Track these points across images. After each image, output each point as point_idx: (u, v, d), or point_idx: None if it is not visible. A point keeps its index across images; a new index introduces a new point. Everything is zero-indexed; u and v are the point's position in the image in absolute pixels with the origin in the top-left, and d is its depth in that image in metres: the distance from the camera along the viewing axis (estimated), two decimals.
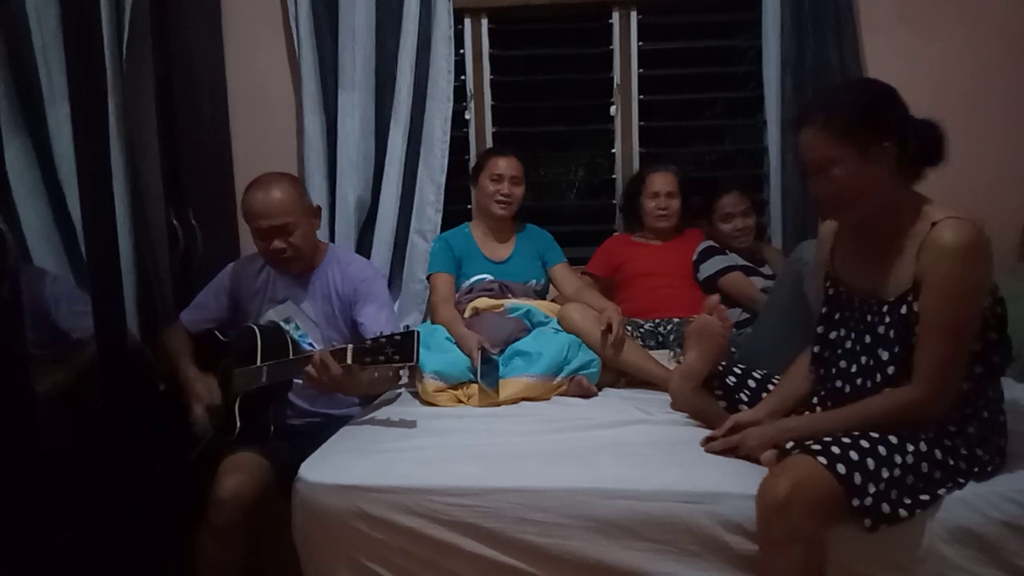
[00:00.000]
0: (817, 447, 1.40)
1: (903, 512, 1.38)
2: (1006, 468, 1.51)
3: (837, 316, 1.62)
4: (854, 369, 1.56)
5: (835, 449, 1.38)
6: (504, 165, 2.55)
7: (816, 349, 1.66)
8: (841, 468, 1.36)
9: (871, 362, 1.52)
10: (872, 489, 1.36)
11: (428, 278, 2.59)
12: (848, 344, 1.58)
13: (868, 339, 1.53)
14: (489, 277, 2.53)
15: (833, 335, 1.62)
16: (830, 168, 1.44)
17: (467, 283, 2.54)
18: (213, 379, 2.00)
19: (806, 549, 1.35)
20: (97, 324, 1.89)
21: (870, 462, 1.38)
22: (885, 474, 1.38)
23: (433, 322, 2.43)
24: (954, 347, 1.41)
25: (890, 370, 1.48)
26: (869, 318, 1.54)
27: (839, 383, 1.58)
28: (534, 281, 2.59)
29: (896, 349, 1.47)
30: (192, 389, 1.97)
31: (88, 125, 1.86)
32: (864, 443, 1.40)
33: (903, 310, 1.46)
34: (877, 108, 1.45)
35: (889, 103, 1.47)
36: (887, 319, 1.49)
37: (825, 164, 1.44)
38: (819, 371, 1.65)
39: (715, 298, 1.85)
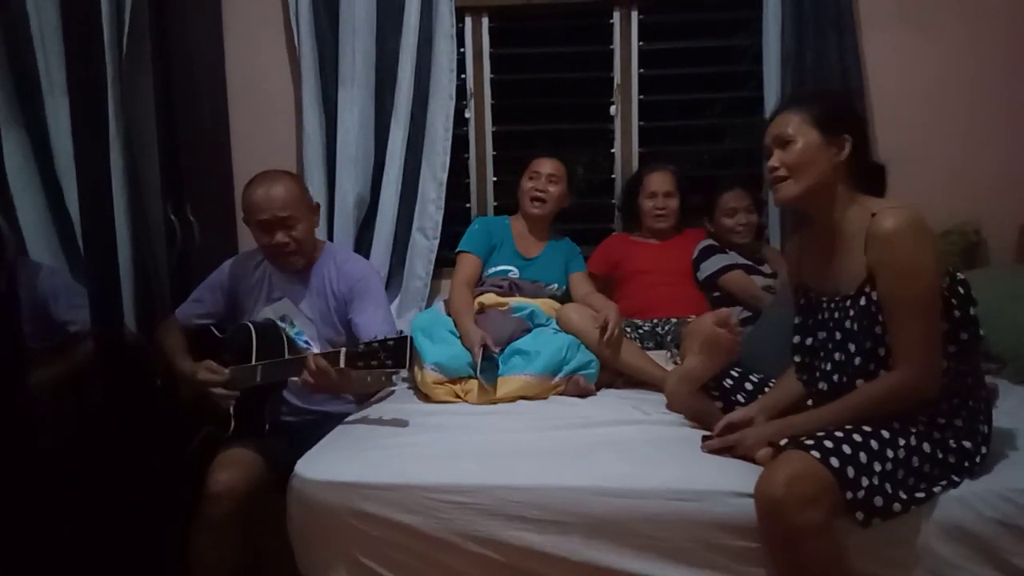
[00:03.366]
0: (810, 442, 1.42)
1: (896, 506, 1.39)
2: (999, 465, 1.52)
3: (810, 322, 1.68)
4: (829, 367, 1.60)
5: (828, 443, 1.41)
6: (543, 164, 2.61)
7: (797, 359, 1.70)
8: (835, 462, 1.37)
9: (843, 357, 1.57)
10: (865, 483, 1.38)
11: (457, 254, 2.59)
12: (826, 345, 1.62)
13: (839, 335, 1.58)
14: (513, 270, 2.55)
15: (810, 341, 1.68)
16: (793, 142, 1.58)
17: (489, 272, 2.55)
18: (211, 360, 1.97)
19: (814, 542, 1.35)
20: (94, 318, 1.89)
21: (862, 456, 1.40)
22: (877, 468, 1.40)
23: (449, 300, 2.45)
24: (923, 324, 1.46)
25: (857, 360, 1.53)
26: (837, 315, 1.59)
27: (821, 384, 1.62)
28: (555, 285, 2.60)
29: (862, 338, 1.52)
30: (199, 379, 1.94)
31: (87, 119, 1.86)
32: (856, 437, 1.43)
33: (863, 301, 1.52)
34: (848, 108, 1.63)
35: (857, 114, 1.65)
36: (851, 312, 1.55)
37: (789, 139, 1.58)
38: (803, 378, 1.69)
39: (726, 311, 1.86)
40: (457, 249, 2.60)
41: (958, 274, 1.52)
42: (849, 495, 1.36)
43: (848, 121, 1.61)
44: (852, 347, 1.54)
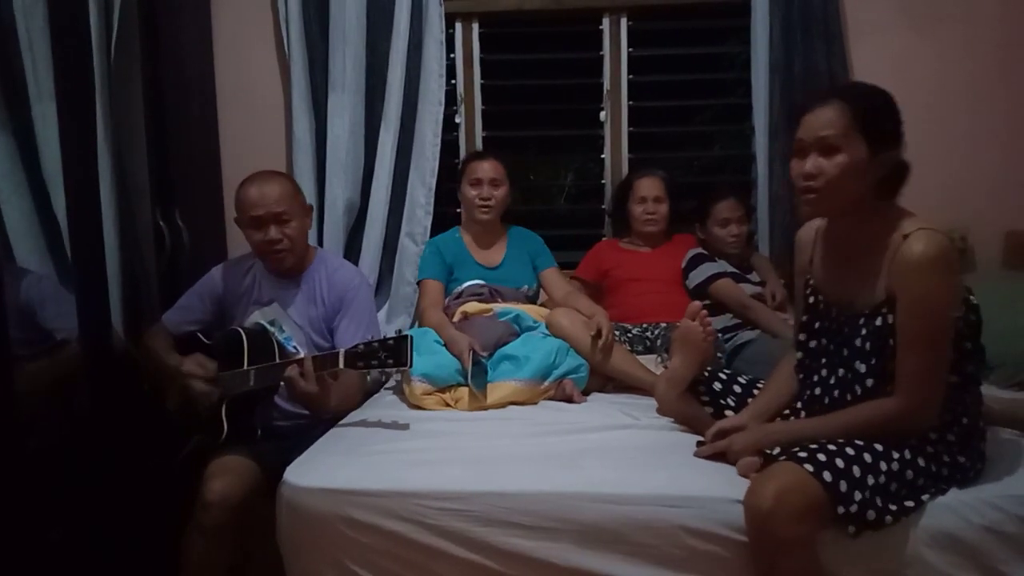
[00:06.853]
0: (803, 454, 1.40)
1: (888, 519, 1.39)
2: (988, 473, 1.53)
3: (817, 325, 1.64)
4: (832, 380, 1.57)
5: (821, 456, 1.39)
6: (482, 168, 2.55)
7: (799, 355, 1.68)
8: (827, 476, 1.36)
9: (848, 374, 1.54)
10: (858, 496, 1.36)
11: (418, 284, 2.59)
12: (827, 355, 1.60)
13: (845, 352, 1.54)
14: (481, 282, 2.53)
15: (813, 344, 1.64)
16: (837, 152, 1.43)
17: (459, 287, 2.53)
18: (200, 355, 1.96)
19: (798, 555, 1.35)
20: (82, 324, 1.88)
21: (856, 470, 1.39)
22: (871, 481, 1.39)
23: (421, 326, 2.42)
24: (931, 358, 1.43)
25: (869, 382, 1.50)
26: (846, 330, 1.55)
27: (818, 391, 1.60)
28: (526, 287, 2.59)
29: (873, 361, 1.49)
30: (186, 371, 1.93)
31: (75, 124, 1.85)
32: (850, 450, 1.41)
33: (878, 322, 1.48)
34: (896, 118, 1.47)
35: (899, 118, 1.48)
36: (863, 331, 1.51)
37: (835, 147, 1.43)
38: (799, 376, 1.67)
39: (697, 304, 1.84)
40: (417, 279, 2.59)
41: (971, 298, 1.47)
42: (841, 509, 1.35)
43: (894, 133, 1.46)
44: (862, 367, 1.50)
